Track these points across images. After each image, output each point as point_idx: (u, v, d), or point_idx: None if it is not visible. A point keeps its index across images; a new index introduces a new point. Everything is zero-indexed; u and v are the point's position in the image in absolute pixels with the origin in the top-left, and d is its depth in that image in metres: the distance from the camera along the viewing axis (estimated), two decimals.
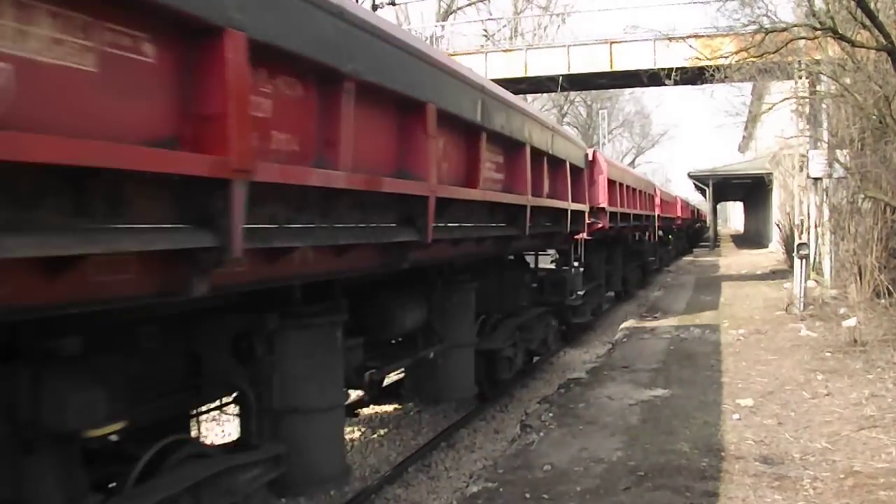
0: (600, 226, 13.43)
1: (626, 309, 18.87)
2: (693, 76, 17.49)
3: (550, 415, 7.95)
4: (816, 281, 17.15)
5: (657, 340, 12.60)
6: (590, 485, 5.87)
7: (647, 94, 74.39)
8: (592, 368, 10.38)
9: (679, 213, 35.85)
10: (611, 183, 14.29)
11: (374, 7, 28.30)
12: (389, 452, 7.60)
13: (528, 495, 5.72)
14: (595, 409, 8.13)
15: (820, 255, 17.54)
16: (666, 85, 18.24)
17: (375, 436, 8.22)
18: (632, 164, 69.54)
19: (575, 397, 8.70)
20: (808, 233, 16.26)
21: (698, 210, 56.22)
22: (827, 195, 16.52)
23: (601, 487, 5.80)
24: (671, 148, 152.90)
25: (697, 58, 16.27)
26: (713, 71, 15.31)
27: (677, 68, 16.95)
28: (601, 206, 13.41)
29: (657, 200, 24.47)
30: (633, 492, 5.71)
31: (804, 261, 14.77)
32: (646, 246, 23.70)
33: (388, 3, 29.66)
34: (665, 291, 21.94)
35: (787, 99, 16.04)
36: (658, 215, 24.49)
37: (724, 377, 9.55)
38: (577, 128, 62.17)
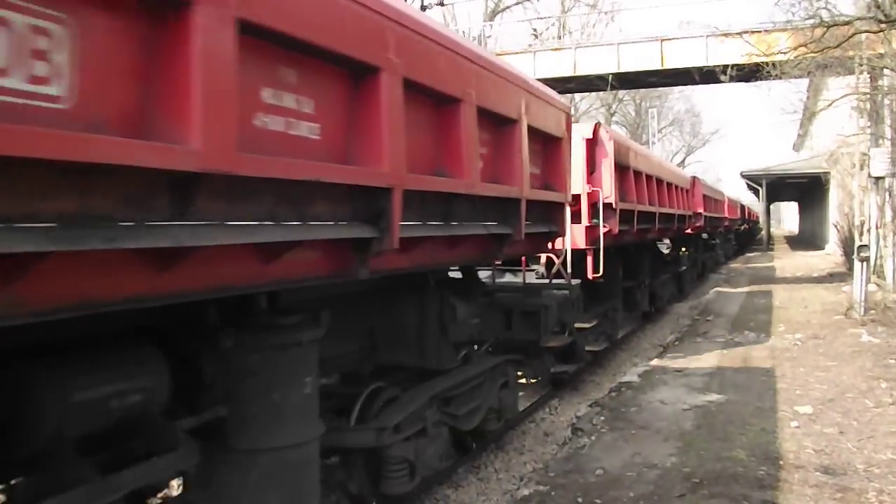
0: (606, 230, 10.52)
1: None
2: (748, 73, 17.13)
3: (602, 418, 7.80)
4: (878, 284, 16.67)
5: (710, 344, 12.33)
6: (643, 491, 5.71)
7: (698, 93, 73.46)
8: (644, 372, 10.17)
9: (726, 213, 31.82)
10: (622, 170, 11.41)
11: (423, 8, 28.30)
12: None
13: (580, 500, 5.59)
14: (648, 414, 7.95)
15: (881, 257, 17.03)
16: (721, 82, 17.90)
17: None
18: (682, 163, 68.63)
19: (627, 401, 8.53)
20: (869, 234, 15.78)
21: (749, 210, 54.69)
22: (890, 195, 16.05)
23: (655, 494, 5.65)
24: (722, 147, 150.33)
25: (755, 54, 15.89)
26: (770, 67, 14.94)
27: (732, 65, 16.59)
28: (607, 201, 10.48)
29: (698, 198, 21.09)
30: (689, 499, 5.54)
31: (865, 263, 14.34)
32: (681, 253, 20.61)
33: (437, 4, 29.62)
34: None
35: (848, 95, 15.59)
36: (702, 214, 21.31)
37: (781, 383, 9.28)
38: (625, 126, 61.60)
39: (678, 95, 68.96)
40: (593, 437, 7.15)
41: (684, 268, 20.94)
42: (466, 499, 6.55)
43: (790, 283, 23.20)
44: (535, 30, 35.65)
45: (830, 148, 25.40)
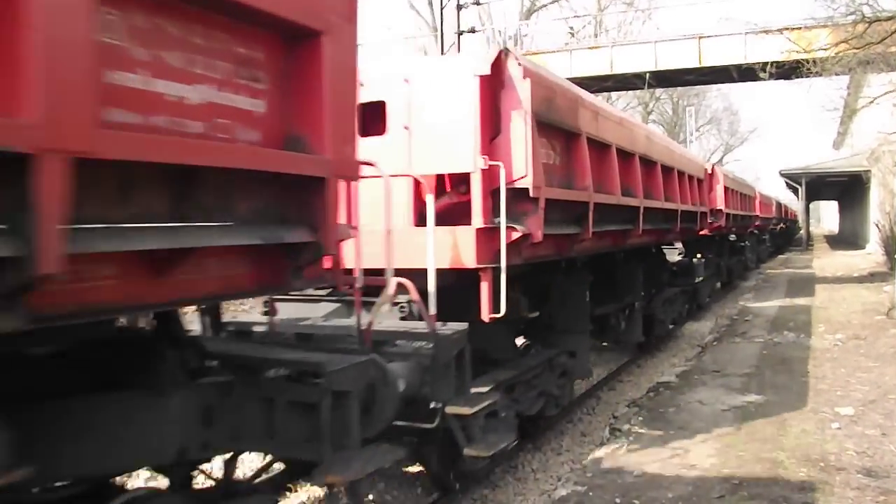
0: (519, 235, 6.06)
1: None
2: (788, 70, 16.93)
3: (640, 419, 7.79)
4: None
5: (749, 345, 12.21)
6: (682, 492, 5.71)
7: (736, 90, 72.57)
8: (682, 372, 10.11)
9: (757, 211, 27.21)
10: (561, 136, 7.06)
11: (459, 7, 28.36)
12: None
13: (618, 500, 5.60)
14: (686, 414, 7.92)
15: None
16: (760, 79, 17.72)
17: None
18: (720, 162, 67.89)
19: (665, 401, 8.50)
20: None
21: (786, 208, 53.47)
22: None
23: (694, 495, 5.64)
24: (761, 146, 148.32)
25: (795, 51, 15.71)
26: (810, 64, 14.75)
27: (772, 62, 16.41)
28: (519, 185, 6.04)
29: (717, 191, 17.12)
30: (728, 500, 5.53)
31: None
32: (695, 261, 16.16)
33: (473, 3, 29.63)
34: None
35: (890, 92, 15.33)
36: (723, 212, 17.33)
37: (822, 384, 9.17)
38: (662, 125, 61.07)
39: (716, 93, 68.27)
40: (631, 438, 7.14)
41: (700, 278, 16.30)
42: (504, 499, 6.58)
43: (830, 283, 22.85)
44: (571, 28, 35.60)
45: (871, 146, 25.00)
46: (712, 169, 17.12)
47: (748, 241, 26.94)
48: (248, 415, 3.68)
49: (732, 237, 22.70)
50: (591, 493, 5.77)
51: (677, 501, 5.53)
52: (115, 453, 3.12)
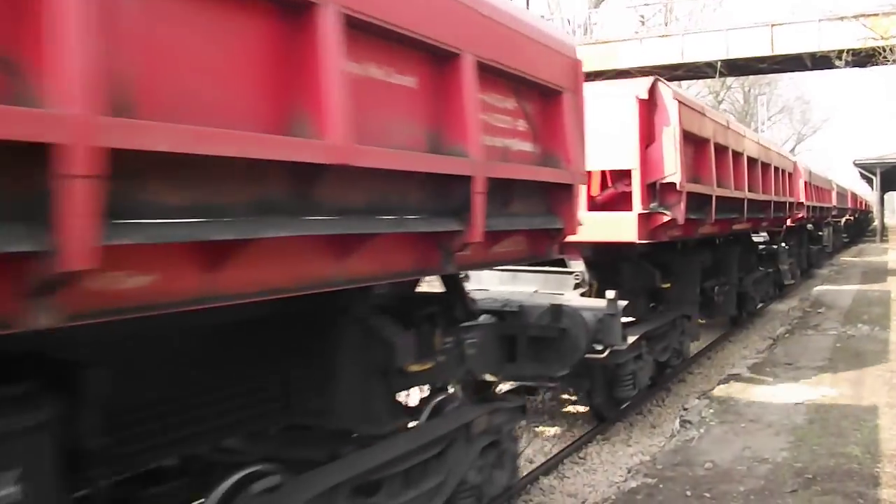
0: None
1: None
2: (863, 58, 16.51)
3: (711, 411, 7.76)
4: None
5: (822, 337, 12.01)
6: (754, 485, 5.70)
7: (808, 79, 70.57)
8: (753, 364, 10.03)
9: (804, 197, 17.87)
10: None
11: None
12: (544, 443, 7.63)
13: (688, 493, 5.62)
14: (757, 407, 7.86)
15: None
16: (835, 68, 17.28)
17: (531, 426, 8.23)
18: (791, 151, 66.24)
19: (736, 393, 8.45)
20: None
21: (854, 195, 50.26)
22: None
23: (766, 489, 5.63)
24: (833, 135, 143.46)
25: (871, 38, 15.30)
26: (887, 52, 14.37)
27: (847, 49, 16.01)
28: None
29: (665, 141, 7.49)
30: (801, 495, 5.50)
31: None
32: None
33: None
34: None
35: None
36: (679, 191, 7.59)
37: None
38: (733, 114, 59.86)
39: (788, 82, 66.48)
40: (702, 430, 7.13)
41: (615, 349, 6.96)
42: (573, 489, 6.63)
43: None
44: (642, 16, 35.20)
45: None
46: (651, 88, 7.69)
47: (786, 244, 17.79)
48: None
49: (762, 236, 15.41)
50: (661, 486, 5.80)
51: (749, 495, 5.53)
52: None
